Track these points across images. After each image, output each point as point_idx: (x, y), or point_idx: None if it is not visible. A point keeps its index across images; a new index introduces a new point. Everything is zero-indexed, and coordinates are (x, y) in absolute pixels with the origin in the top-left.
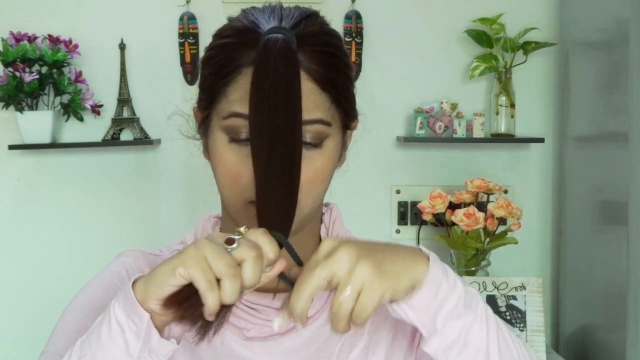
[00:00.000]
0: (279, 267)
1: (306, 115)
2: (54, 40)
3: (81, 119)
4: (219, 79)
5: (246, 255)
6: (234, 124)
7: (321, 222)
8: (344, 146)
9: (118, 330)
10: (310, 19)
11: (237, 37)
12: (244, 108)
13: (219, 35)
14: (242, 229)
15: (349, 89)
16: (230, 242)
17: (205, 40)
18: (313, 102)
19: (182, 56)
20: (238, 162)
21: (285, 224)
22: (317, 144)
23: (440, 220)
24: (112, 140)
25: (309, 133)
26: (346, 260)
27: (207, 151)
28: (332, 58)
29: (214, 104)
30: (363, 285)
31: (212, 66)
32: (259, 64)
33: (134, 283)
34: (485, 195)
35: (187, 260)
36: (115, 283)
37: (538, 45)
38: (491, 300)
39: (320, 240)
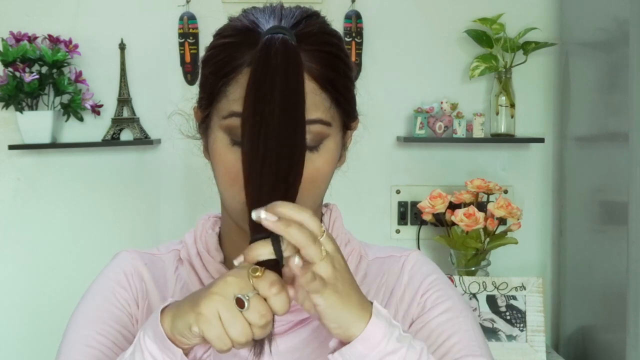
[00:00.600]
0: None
1: (306, 115)
2: (54, 40)
3: (81, 119)
4: (219, 78)
5: (257, 322)
6: (234, 124)
7: (321, 223)
8: (344, 146)
9: None
10: (311, 19)
11: (237, 37)
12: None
13: (219, 34)
14: (257, 273)
15: (349, 89)
16: (241, 304)
17: (205, 40)
18: (313, 102)
19: (182, 56)
20: (238, 162)
21: None
22: (316, 144)
23: (440, 220)
24: (112, 140)
25: (308, 133)
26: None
27: (207, 151)
28: (333, 58)
29: (214, 103)
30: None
31: (212, 66)
32: (257, 63)
33: (161, 314)
34: (485, 195)
35: (201, 322)
36: (114, 289)
37: (538, 45)
38: (491, 300)
39: None
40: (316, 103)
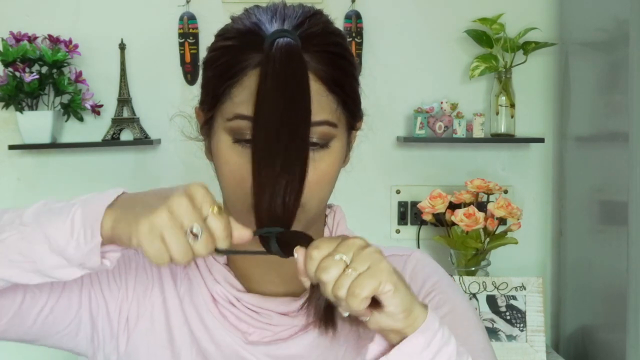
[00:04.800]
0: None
1: (313, 116)
2: (54, 40)
3: (81, 119)
4: (223, 81)
5: (202, 253)
6: (238, 126)
7: (324, 224)
8: (349, 146)
9: (68, 231)
10: (315, 18)
11: (241, 40)
12: (248, 110)
13: (221, 36)
14: (215, 210)
15: (354, 89)
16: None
17: (205, 40)
18: (319, 103)
19: (182, 56)
20: (242, 164)
21: (284, 226)
22: (323, 145)
23: (440, 220)
24: (112, 140)
25: (315, 134)
26: (359, 243)
27: (210, 152)
28: (338, 58)
29: (217, 105)
30: (370, 264)
31: (215, 68)
32: (264, 68)
33: (110, 207)
34: (485, 195)
35: (143, 239)
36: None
37: (538, 45)
38: (491, 300)
39: None
40: (322, 105)
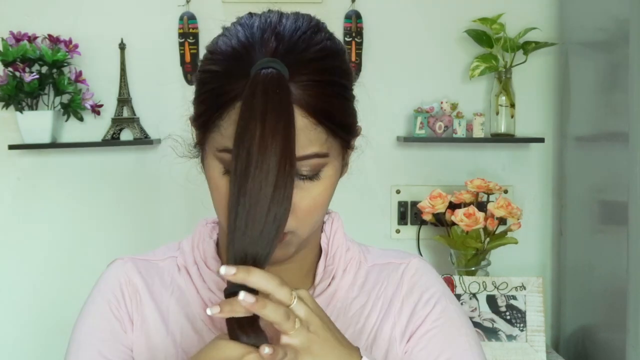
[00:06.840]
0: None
1: (301, 151)
2: (54, 40)
3: (81, 119)
4: (211, 111)
5: None
6: (227, 158)
7: (322, 231)
8: (344, 162)
9: None
10: (310, 39)
11: (227, 66)
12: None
13: (211, 53)
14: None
15: (347, 112)
16: None
17: (205, 40)
18: (307, 138)
19: (182, 56)
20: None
21: (262, 260)
22: (312, 176)
23: (440, 220)
24: (112, 140)
25: (305, 167)
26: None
27: (204, 165)
28: (329, 86)
29: (207, 133)
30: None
31: (203, 95)
32: (245, 103)
33: None
34: (485, 195)
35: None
36: (111, 303)
37: (538, 45)
38: (491, 300)
39: (320, 250)
40: (311, 138)
